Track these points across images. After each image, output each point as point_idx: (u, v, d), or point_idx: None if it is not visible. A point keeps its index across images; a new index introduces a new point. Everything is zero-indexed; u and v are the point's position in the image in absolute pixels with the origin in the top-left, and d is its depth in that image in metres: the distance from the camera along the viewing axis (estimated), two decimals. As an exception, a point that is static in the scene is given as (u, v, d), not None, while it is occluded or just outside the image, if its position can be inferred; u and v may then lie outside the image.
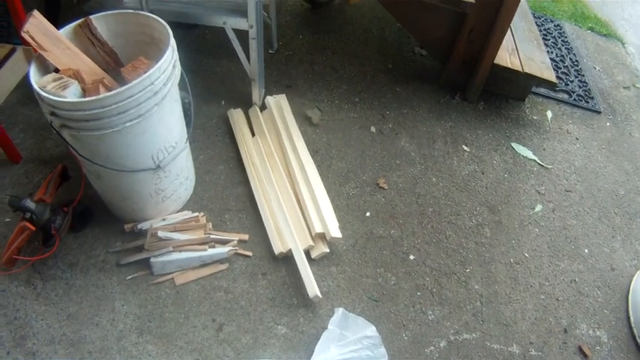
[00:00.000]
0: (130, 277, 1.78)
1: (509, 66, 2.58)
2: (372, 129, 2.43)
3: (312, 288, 1.73)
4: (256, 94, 2.35)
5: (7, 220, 1.89)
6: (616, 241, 2.25)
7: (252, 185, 2.05)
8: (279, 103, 2.35)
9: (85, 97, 1.61)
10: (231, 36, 2.17)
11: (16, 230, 1.70)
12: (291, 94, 2.48)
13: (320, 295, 1.72)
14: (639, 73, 3.45)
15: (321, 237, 1.88)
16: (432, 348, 1.75)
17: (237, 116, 2.33)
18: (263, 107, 2.38)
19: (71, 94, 1.57)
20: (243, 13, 2.11)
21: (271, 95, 2.41)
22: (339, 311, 1.69)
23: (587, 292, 2.02)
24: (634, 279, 2.09)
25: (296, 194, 2.01)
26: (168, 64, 1.59)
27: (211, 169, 2.14)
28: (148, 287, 1.76)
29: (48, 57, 1.64)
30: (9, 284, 1.73)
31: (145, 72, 1.52)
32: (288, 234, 1.86)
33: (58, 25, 1.78)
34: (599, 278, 2.08)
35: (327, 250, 1.87)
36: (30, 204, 1.70)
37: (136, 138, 1.58)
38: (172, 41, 1.62)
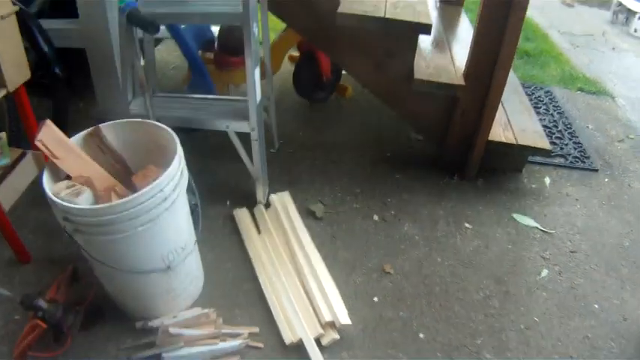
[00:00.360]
0: None
1: (504, 140, 2.74)
2: (375, 217, 2.61)
3: (326, 377, 1.85)
4: (260, 193, 2.56)
5: (16, 317, 2.04)
6: (625, 291, 2.29)
7: (260, 281, 2.20)
8: (282, 200, 2.56)
9: (97, 204, 1.72)
10: (234, 139, 2.38)
11: (27, 328, 1.80)
12: (294, 190, 2.69)
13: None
14: (631, 124, 3.57)
15: (331, 325, 2.00)
16: None
17: (242, 215, 2.53)
18: (267, 205, 2.58)
19: (84, 200, 1.69)
20: (244, 116, 2.28)
21: (275, 193, 2.61)
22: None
23: (601, 346, 2.05)
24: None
25: (304, 286, 2.15)
26: (177, 171, 1.72)
27: (220, 266, 2.31)
28: None
29: (60, 165, 1.77)
30: (20, 381, 1.83)
31: (155, 179, 1.65)
32: (297, 324, 1.99)
33: (67, 130, 1.98)
34: (611, 330, 2.11)
35: (338, 337, 1.98)
36: (42, 303, 1.78)
37: (147, 241, 1.71)
38: (179, 149, 1.78)
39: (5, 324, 2.06)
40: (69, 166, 1.81)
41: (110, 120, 2.71)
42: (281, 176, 2.85)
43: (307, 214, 2.59)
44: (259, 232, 2.44)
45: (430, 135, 2.95)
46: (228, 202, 2.67)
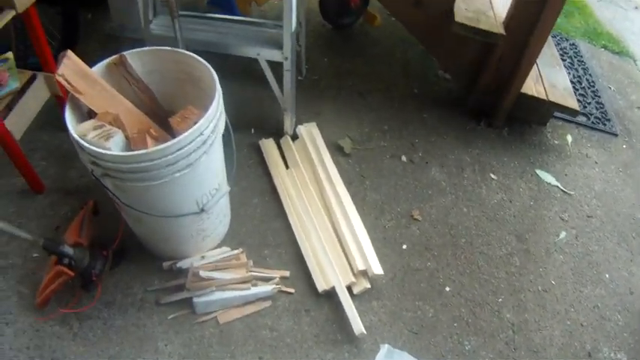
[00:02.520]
0: (171, 316, 1.79)
1: (535, 94, 2.63)
2: (403, 158, 2.48)
3: (358, 326, 1.78)
4: (288, 124, 2.38)
5: (34, 255, 1.90)
6: (634, 264, 2.31)
7: (290, 220, 2.09)
8: (310, 133, 2.38)
9: (129, 146, 1.55)
10: (265, 67, 2.18)
11: (52, 274, 1.65)
12: (320, 121, 2.51)
13: (365, 332, 1.78)
14: (651, 91, 3.52)
15: (363, 273, 1.93)
16: (469, 378, 1.82)
17: (269, 147, 2.36)
18: (294, 136, 2.41)
19: (115, 144, 1.50)
20: (277, 44, 2.11)
21: (301, 124, 2.43)
22: (385, 347, 1.75)
23: (609, 317, 2.09)
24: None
25: (334, 228, 2.05)
26: (216, 112, 1.57)
27: (246, 202, 2.17)
28: (191, 327, 1.78)
29: (85, 100, 1.58)
30: (43, 324, 1.74)
31: (196, 122, 1.48)
32: (330, 271, 1.91)
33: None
34: (619, 302, 2.14)
35: (369, 286, 1.93)
36: (68, 250, 1.61)
37: (183, 186, 1.57)
38: (219, 87, 1.60)
39: (23, 262, 1.90)
40: (94, 102, 1.60)
41: (126, 37, 2.38)
42: (307, 105, 2.65)
43: (335, 149, 2.43)
44: (287, 166, 2.28)
45: (461, 77, 2.79)
46: (252, 130, 2.49)
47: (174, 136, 1.54)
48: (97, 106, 1.60)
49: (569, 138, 2.89)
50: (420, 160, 2.50)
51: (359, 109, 2.71)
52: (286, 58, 2.11)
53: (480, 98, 2.73)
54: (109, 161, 1.42)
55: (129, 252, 1.91)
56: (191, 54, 1.70)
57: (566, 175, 2.66)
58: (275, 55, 2.13)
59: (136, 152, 1.43)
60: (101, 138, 1.46)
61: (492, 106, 2.72)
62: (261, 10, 3.06)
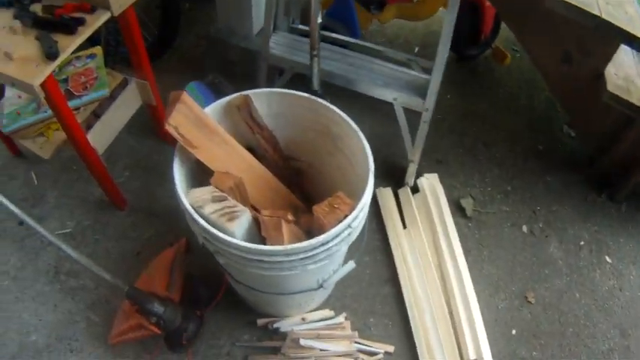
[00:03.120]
0: None
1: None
2: (524, 229, 2.40)
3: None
4: (411, 175, 2.27)
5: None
6: None
7: (402, 288, 2.02)
8: (433, 187, 2.28)
9: (254, 226, 1.32)
10: (399, 114, 2.06)
11: (133, 324, 1.52)
12: (441, 172, 2.42)
13: None
14: None
15: (470, 360, 1.92)
16: None
17: (387, 198, 2.26)
18: (414, 188, 2.31)
19: (240, 226, 1.26)
20: (418, 90, 1.93)
21: (421, 173, 2.33)
22: None
23: None
24: None
25: (448, 304, 2.00)
26: (368, 200, 1.37)
27: (355, 259, 2.13)
28: None
29: (199, 156, 1.37)
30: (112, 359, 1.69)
31: (346, 216, 1.30)
32: (439, 354, 1.86)
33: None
34: None
35: (476, 375, 1.92)
36: (157, 309, 1.44)
37: (312, 272, 1.40)
38: (372, 165, 1.40)
39: (96, 286, 1.82)
40: (211, 158, 1.40)
41: (232, 44, 2.16)
42: (428, 151, 2.50)
43: (456, 209, 2.35)
44: (404, 224, 2.18)
45: (591, 141, 2.64)
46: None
47: (311, 221, 1.38)
48: (214, 164, 1.40)
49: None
50: (541, 232, 2.41)
51: (482, 161, 2.60)
52: (427, 110, 1.96)
53: (607, 169, 2.59)
54: (230, 247, 1.22)
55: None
56: (337, 110, 1.53)
57: (680, 264, 2.55)
58: (415, 103, 1.96)
59: (271, 248, 1.23)
60: (222, 216, 1.23)
61: (620, 179, 2.58)
62: (383, 32, 2.85)
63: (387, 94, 2.01)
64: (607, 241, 2.50)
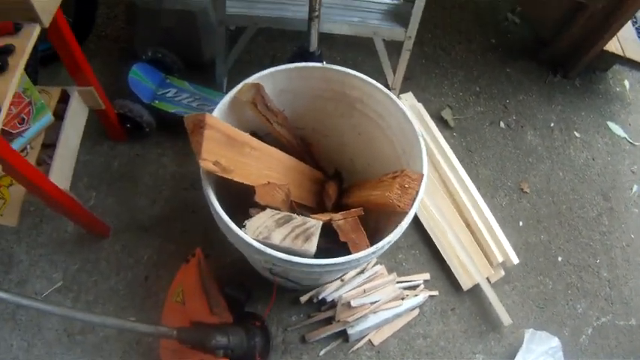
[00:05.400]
0: (323, 351, 1.71)
1: (614, 51, 2.59)
2: (502, 124, 2.45)
3: (506, 317, 1.87)
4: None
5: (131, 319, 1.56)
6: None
7: (419, 216, 2.03)
8: (414, 107, 2.25)
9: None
10: (379, 46, 1.98)
11: None
12: (413, 88, 2.39)
13: (512, 322, 1.88)
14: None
15: (500, 263, 1.99)
16: (584, 337, 1.99)
17: None
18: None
19: (316, 242, 1.12)
20: (399, 19, 1.82)
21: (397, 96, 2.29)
22: (529, 332, 1.89)
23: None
24: None
25: (464, 218, 2.04)
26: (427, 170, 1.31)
27: None
28: (346, 356, 1.73)
29: (237, 178, 1.17)
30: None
31: (417, 193, 1.22)
32: (472, 267, 1.92)
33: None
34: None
35: (503, 273, 2.00)
36: (221, 340, 1.23)
37: None
38: (425, 157, 1.31)
39: (119, 333, 1.59)
40: (249, 175, 1.22)
41: (164, 9, 1.86)
42: None
43: (438, 122, 2.34)
44: None
45: (544, 28, 2.73)
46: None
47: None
48: (251, 178, 1.22)
49: (627, 83, 2.94)
50: (516, 124, 2.48)
51: (447, 68, 2.58)
52: (410, 37, 1.87)
53: (560, 51, 2.68)
54: (312, 268, 1.09)
55: (250, 288, 1.63)
56: (359, 74, 1.38)
57: (629, 124, 2.75)
58: (396, 33, 1.85)
59: (358, 255, 1.12)
60: (296, 239, 1.09)
61: (572, 59, 2.68)
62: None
63: (365, 31, 1.86)
64: (572, 117, 2.62)
